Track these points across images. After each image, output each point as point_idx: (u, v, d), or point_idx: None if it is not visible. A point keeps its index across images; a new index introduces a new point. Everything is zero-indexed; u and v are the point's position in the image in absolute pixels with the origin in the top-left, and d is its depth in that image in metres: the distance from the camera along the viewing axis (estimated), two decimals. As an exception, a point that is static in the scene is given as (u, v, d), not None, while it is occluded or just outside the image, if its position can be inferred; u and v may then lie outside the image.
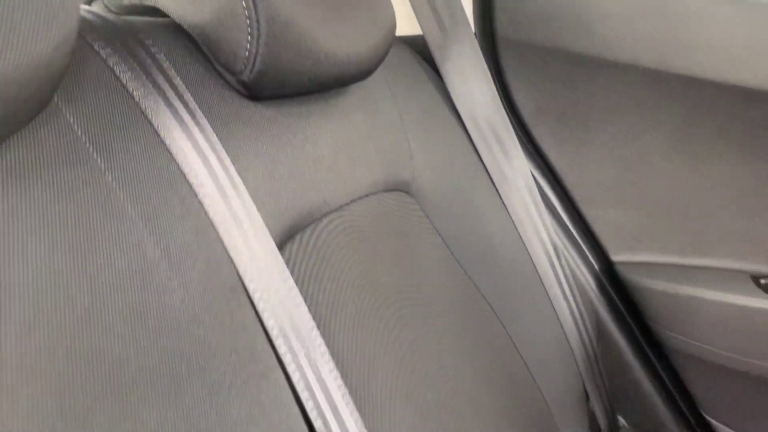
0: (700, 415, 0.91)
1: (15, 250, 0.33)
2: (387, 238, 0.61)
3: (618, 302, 0.89)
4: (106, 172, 0.39)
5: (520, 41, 0.85)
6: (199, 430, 0.38)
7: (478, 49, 0.82)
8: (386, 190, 0.64)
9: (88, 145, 0.39)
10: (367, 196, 0.61)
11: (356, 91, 0.64)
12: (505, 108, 0.86)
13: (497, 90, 0.84)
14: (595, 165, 0.88)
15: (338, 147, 0.59)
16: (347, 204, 0.59)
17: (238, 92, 0.52)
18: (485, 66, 0.82)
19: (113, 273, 0.37)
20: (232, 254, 0.44)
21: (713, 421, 0.90)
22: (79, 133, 0.39)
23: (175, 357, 0.38)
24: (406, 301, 0.60)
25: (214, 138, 0.46)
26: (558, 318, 0.80)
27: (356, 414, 0.47)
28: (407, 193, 0.67)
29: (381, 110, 0.67)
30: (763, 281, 0.83)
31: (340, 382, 0.47)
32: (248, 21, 0.47)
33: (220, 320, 0.42)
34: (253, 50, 0.48)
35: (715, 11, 0.74)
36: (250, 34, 0.47)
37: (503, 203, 0.78)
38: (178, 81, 0.47)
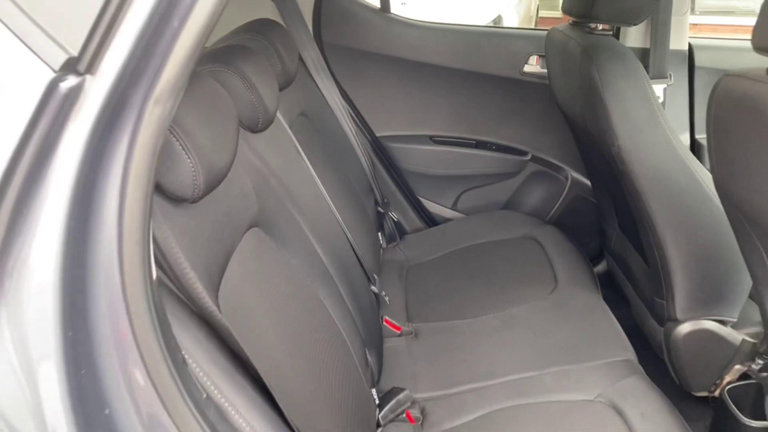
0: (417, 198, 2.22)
1: None
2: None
3: (380, 153, 2.15)
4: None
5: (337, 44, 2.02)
6: None
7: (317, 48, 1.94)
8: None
9: None
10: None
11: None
12: (331, 73, 2.01)
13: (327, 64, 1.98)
14: (371, 101, 2.11)
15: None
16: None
17: None
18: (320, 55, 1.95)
19: None
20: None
21: (422, 199, 2.22)
22: None
23: None
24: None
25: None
26: (365, 172, 2.00)
27: None
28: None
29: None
30: (434, 138, 2.13)
31: None
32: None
33: None
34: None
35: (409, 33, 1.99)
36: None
37: (339, 122, 1.93)
38: None
